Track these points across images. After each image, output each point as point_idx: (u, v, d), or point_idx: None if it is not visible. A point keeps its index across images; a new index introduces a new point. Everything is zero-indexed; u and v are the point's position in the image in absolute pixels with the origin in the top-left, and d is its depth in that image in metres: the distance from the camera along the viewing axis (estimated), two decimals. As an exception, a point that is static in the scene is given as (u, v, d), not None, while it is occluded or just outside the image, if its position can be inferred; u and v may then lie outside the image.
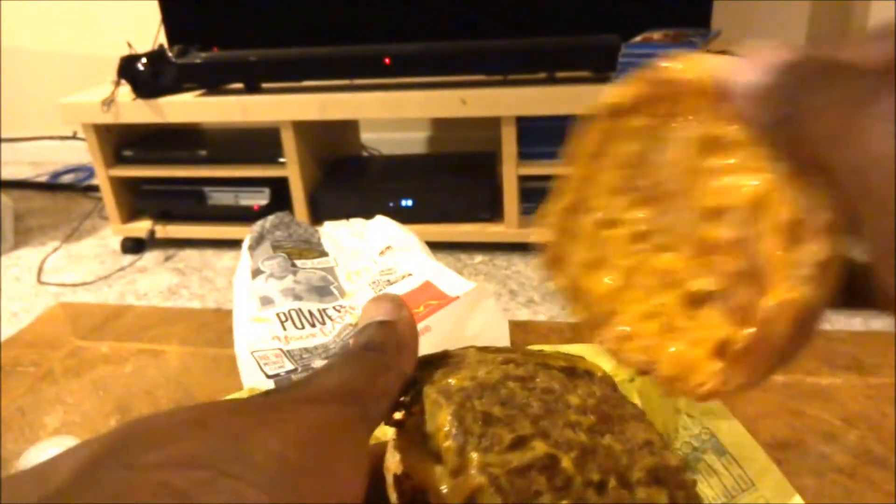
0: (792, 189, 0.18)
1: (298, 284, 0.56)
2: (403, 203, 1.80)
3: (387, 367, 0.21)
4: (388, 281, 0.54)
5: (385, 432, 0.23)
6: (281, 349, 0.50)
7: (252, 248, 0.61)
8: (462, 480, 0.19)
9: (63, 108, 1.84)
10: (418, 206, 1.80)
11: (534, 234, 0.24)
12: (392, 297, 0.23)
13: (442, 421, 0.20)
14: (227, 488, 0.14)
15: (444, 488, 0.20)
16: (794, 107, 0.16)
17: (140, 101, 1.79)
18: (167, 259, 1.91)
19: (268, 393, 0.19)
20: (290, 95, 1.75)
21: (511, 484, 0.19)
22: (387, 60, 1.68)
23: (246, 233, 0.62)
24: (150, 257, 1.93)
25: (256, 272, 0.58)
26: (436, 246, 0.65)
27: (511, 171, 1.71)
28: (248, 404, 0.17)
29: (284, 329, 0.52)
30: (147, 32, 1.85)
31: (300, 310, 0.54)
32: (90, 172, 2.42)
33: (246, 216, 1.83)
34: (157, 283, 1.78)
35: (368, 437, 0.19)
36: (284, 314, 0.53)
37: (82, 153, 2.27)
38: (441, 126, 2.37)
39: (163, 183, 1.91)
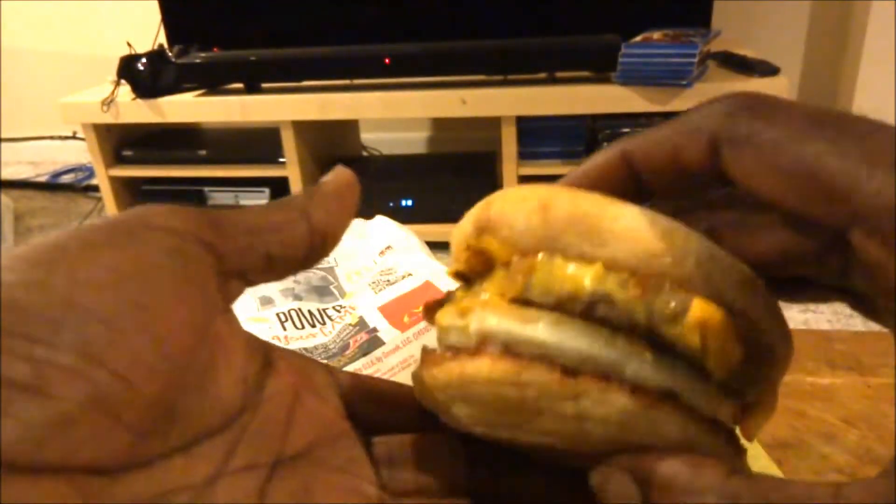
0: None
1: (298, 284, 0.56)
2: (403, 203, 1.80)
3: (281, 207, 0.20)
4: (388, 281, 0.54)
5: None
6: (281, 349, 0.50)
7: (252, 248, 0.61)
8: (522, 261, 0.19)
9: (63, 108, 1.84)
10: (418, 206, 1.80)
11: None
12: (338, 166, 0.23)
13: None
14: (8, 348, 0.14)
15: (503, 274, 0.19)
16: None
17: (140, 101, 1.79)
18: (167, 259, 1.91)
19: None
20: (290, 95, 1.75)
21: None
22: (387, 60, 1.68)
23: (246, 233, 0.62)
24: (150, 257, 1.92)
25: (256, 272, 0.57)
26: (436, 246, 0.64)
27: (511, 171, 1.71)
28: (64, 243, 0.16)
29: (284, 329, 0.52)
30: (147, 32, 1.85)
31: (300, 310, 0.54)
32: (90, 172, 2.42)
33: (246, 216, 1.83)
34: (157, 283, 1.78)
35: (214, 268, 0.18)
36: (284, 314, 0.53)
37: (82, 153, 2.27)
38: (441, 126, 2.37)
39: (163, 183, 1.91)
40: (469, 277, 0.21)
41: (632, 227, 0.18)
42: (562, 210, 0.18)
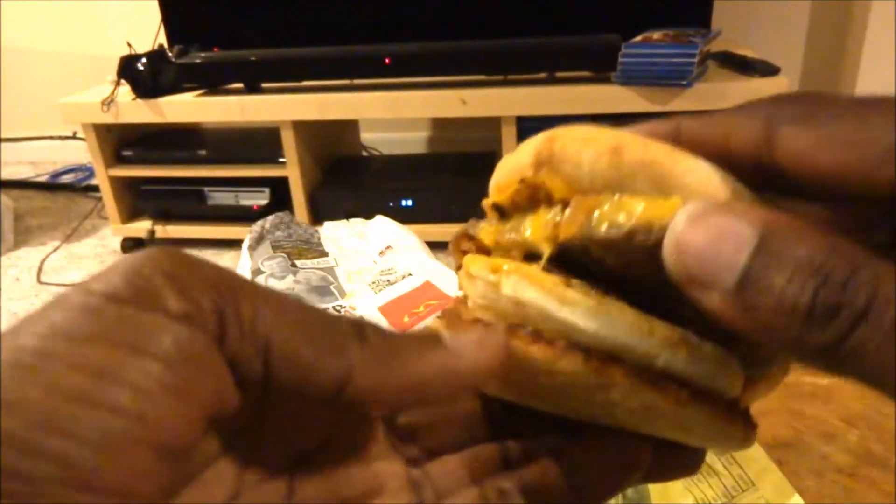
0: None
1: (298, 284, 0.56)
2: (403, 203, 1.80)
3: (325, 338, 0.17)
4: (388, 281, 0.54)
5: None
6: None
7: (252, 248, 0.61)
8: (584, 198, 0.17)
9: (63, 108, 1.84)
10: (418, 206, 1.80)
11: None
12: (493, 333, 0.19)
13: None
14: None
15: (553, 217, 0.18)
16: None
17: (140, 101, 1.79)
18: (167, 259, 1.91)
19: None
20: (290, 95, 1.75)
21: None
22: (387, 60, 1.68)
23: (246, 233, 0.62)
24: (150, 257, 1.92)
25: (256, 272, 0.57)
26: (436, 246, 0.65)
27: (511, 171, 1.71)
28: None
29: (284, 329, 0.52)
30: (147, 32, 1.85)
31: (300, 310, 0.54)
32: (90, 172, 2.41)
33: (246, 216, 1.83)
34: (157, 283, 1.78)
35: (222, 354, 0.16)
36: (284, 314, 0.53)
37: (82, 153, 2.27)
38: (441, 126, 2.37)
39: (163, 183, 1.91)
40: (506, 212, 0.20)
41: (704, 180, 0.17)
42: (633, 155, 0.17)
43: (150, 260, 0.16)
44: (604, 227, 0.17)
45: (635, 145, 0.18)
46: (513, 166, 0.20)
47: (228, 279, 0.16)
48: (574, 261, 0.19)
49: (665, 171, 0.17)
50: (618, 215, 0.17)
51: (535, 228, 0.18)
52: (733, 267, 0.13)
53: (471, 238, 0.21)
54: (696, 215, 0.15)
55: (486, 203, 0.21)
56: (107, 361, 0.14)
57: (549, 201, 0.18)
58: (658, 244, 0.16)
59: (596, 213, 0.17)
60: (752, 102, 0.18)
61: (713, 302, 0.14)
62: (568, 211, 0.18)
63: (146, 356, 0.14)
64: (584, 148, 0.18)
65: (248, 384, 0.16)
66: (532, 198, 0.19)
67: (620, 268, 0.18)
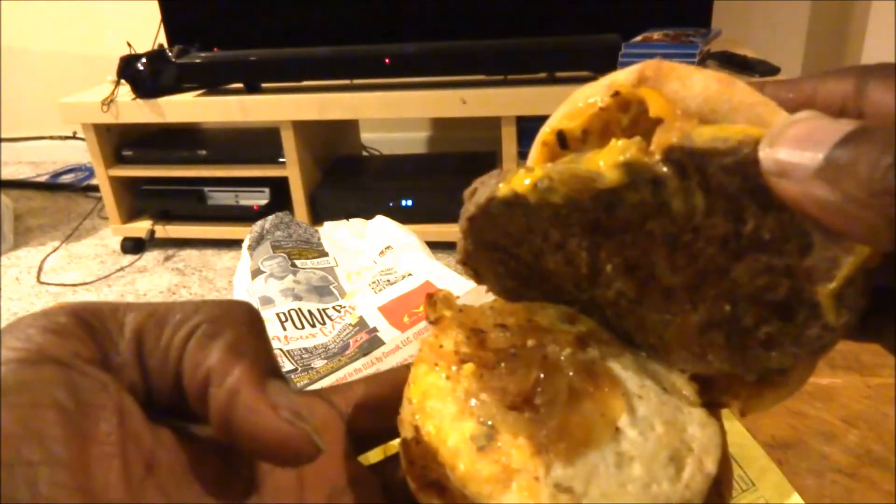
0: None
1: (298, 284, 0.56)
2: (403, 203, 1.80)
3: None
4: (388, 281, 0.54)
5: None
6: (281, 349, 0.50)
7: (252, 248, 0.61)
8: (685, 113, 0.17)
9: (63, 108, 1.84)
10: (418, 206, 1.80)
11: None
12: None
13: None
14: None
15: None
16: None
17: (140, 101, 1.79)
18: (167, 259, 1.91)
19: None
20: (290, 95, 1.75)
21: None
22: (387, 60, 1.68)
23: (246, 233, 0.62)
24: (150, 257, 1.92)
25: (256, 272, 0.58)
26: (436, 246, 0.65)
27: (511, 171, 1.71)
28: None
29: (284, 329, 0.52)
30: (147, 32, 1.85)
31: (300, 310, 0.54)
32: (90, 172, 2.42)
33: (246, 216, 1.83)
34: (157, 283, 1.78)
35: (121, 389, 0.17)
36: (284, 314, 0.53)
37: (82, 153, 2.27)
38: (441, 126, 2.37)
39: (163, 183, 1.91)
40: (568, 145, 0.19)
41: None
42: (743, 91, 0.17)
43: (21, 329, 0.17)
44: (709, 137, 0.16)
45: (745, 86, 0.18)
46: (596, 90, 0.19)
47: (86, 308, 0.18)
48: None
49: (765, 118, 0.17)
50: (723, 132, 0.16)
51: (604, 155, 0.17)
52: (823, 146, 0.13)
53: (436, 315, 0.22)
54: (800, 116, 0.15)
55: (549, 130, 0.19)
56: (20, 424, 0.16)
57: (629, 134, 0.17)
58: (755, 161, 0.15)
59: (697, 130, 0.16)
60: (841, 68, 0.19)
61: (793, 188, 0.14)
62: (665, 123, 0.17)
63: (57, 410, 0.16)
64: (696, 72, 0.18)
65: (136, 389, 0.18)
66: (605, 132, 0.18)
67: (683, 214, 0.17)
